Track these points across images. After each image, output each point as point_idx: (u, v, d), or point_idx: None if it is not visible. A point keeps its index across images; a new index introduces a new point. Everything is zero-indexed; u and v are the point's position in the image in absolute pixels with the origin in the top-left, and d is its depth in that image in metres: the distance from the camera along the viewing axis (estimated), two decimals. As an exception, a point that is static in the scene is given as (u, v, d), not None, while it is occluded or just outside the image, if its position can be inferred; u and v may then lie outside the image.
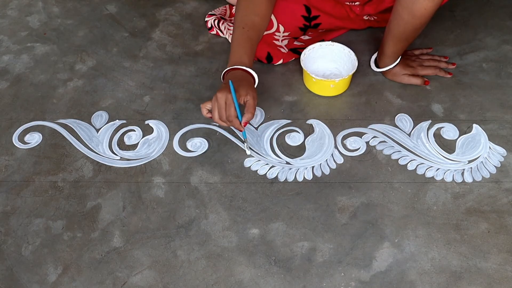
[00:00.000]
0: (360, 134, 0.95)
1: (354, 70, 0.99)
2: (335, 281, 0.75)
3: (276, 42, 1.04)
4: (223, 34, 1.15)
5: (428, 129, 0.95)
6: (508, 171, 0.89)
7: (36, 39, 1.18)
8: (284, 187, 0.87)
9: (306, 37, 1.10)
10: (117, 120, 0.99)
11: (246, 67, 0.88)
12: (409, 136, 0.94)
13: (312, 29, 1.07)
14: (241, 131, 0.87)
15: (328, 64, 1.05)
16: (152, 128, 0.97)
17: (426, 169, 0.89)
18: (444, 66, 1.06)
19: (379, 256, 0.78)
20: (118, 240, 0.80)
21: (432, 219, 0.82)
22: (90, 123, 0.98)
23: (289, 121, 0.97)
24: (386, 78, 1.05)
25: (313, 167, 0.90)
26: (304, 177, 0.88)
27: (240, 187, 0.87)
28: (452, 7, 1.23)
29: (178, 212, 0.84)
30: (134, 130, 0.97)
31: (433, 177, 0.88)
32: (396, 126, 0.96)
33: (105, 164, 0.91)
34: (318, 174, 0.89)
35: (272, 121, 0.97)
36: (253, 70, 0.88)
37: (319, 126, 0.96)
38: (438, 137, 0.94)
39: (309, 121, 0.97)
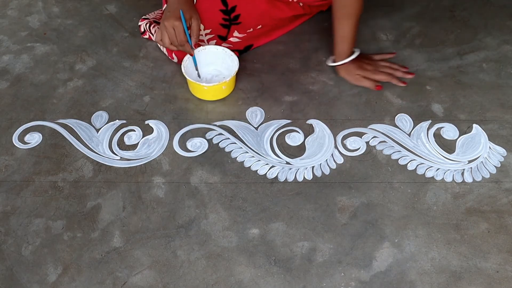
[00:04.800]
0: (360, 134, 0.95)
1: (237, 62, 0.99)
2: (335, 281, 0.75)
3: (202, 44, 1.04)
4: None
5: (428, 129, 0.95)
6: (508, 171, 0.89)
7: (36, 39, 1.18)
8: (284, 187, 0.87)
9: (236, 40, 1.08)
10: (117, 120, 0.99)
11: None
12: (409, 136, 0.94)
13: (235, 24, 1.06)
14: (192, 55, 0.96)
15: (206, 68, 1.04)
16: (152, 128, 0.97)
17: (426, 169, 0.89)
18: (400, 75, 1.05)
19: (379, 256, 0.78)
20: (118, 240, 0.80)
21: (432, 219, 0.82)
22: (90, 123, 0.98)
23: (289, 121, 0.97)
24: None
25: (313, 167, 0.90)
26: (304, 177, 0.88)
27: (240, 187, 0.87)
28: (452, 7, 1.23)
29: (178, 212, 0.84)
30: (134, 130, 0.97)
31: (433, 177, 0.88)
32: (396, 126, 0.96)
33: (105, 164, 0.91)
34: (318, 174, 0.89)
35: (272, 121, 0.97)
36: None
37: (319, 126, 0.96)
38: (438, 137, 0.94)
39: (309, 121, 0.97)
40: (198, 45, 0.92)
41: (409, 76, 1.05)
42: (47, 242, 0.80)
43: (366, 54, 1.08)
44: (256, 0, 1.05)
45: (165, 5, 0.95)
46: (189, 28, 0.93)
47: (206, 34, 1.06)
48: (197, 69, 0.99)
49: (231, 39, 1.08)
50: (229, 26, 1.06)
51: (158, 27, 1.12)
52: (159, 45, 1.13)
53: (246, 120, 0.98)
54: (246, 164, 0.90)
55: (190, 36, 0.94)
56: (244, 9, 1.05)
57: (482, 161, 0.90)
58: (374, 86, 1.02)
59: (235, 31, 1.08)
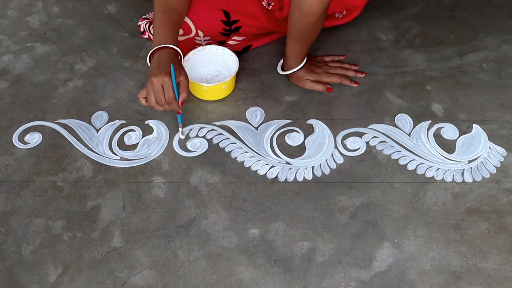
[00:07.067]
0: (360, 134, 0.95)
1: (237, 63, 0.99)
2: (335, 281, 0.75)
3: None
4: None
5: (428, 129, 0.95)
6: (508, 171, 0.89)
7: (36, 39, 1.18)
8: (284, 187, 0.87)
9: (234, 42, 1.09)
10: (117, 120, 0.99)
11: (172, 45, 0.88)
12: (409, 136, 0.94)
13: (235, 33, 1.06)
14: (179, 113, 0.88)
15: (206, 68, 1.04)
16: (152, 128, 0.97)
17: (426, 169, 0.89)
18: (352, 74, 1.05)
19: (379, 256, 0.78)
20: (118, 240, 0.80)
21: (432, 219, 0.82)
22: (90, 123, 0.98)
23: (289, 121, 0.97)
24: (383, 79, 1.05)
25: (313, 167, 0.90)
26: (304, 177, 0.88)
27: (240, 187, 0.87)
28: (452, 7, 1.23)
29: (178, 212, 0.84)
30: (134, 130, 0.97)
31: (433, 177, 0.88)
32: (396, 126, 0.96)
33: (105, 164, 0.91)
34: (318, 174, 0.89)
35: (272, 121, 0.97)
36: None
37: (319, 126, 0.96)
38: (438, 137, 0.94)
39: (309, 121, 0.97)
40: (183, 103, 0.87)
41: (360, 75, 1.05)
42: (47, 242, 0.80)
43: (316, 56, 1.07)
44: (259, 18, 1.05)
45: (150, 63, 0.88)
46: (178, 84, 0.85)
47: (204, 40, 1.06)
48: (180, 127, 0.93)
49: (230, 42, 1.08)
50: (228, 34, 1.06)
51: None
52: None
53: (246, 120, 0.98)
54: (246, 164, 0.90)
55: (178, 93, 0.86)
56: (246, 22, 1.05)
57: (482, 161, 0.90)
58: (326, 89, 1.01)
59: (234, 36, 1.08)
